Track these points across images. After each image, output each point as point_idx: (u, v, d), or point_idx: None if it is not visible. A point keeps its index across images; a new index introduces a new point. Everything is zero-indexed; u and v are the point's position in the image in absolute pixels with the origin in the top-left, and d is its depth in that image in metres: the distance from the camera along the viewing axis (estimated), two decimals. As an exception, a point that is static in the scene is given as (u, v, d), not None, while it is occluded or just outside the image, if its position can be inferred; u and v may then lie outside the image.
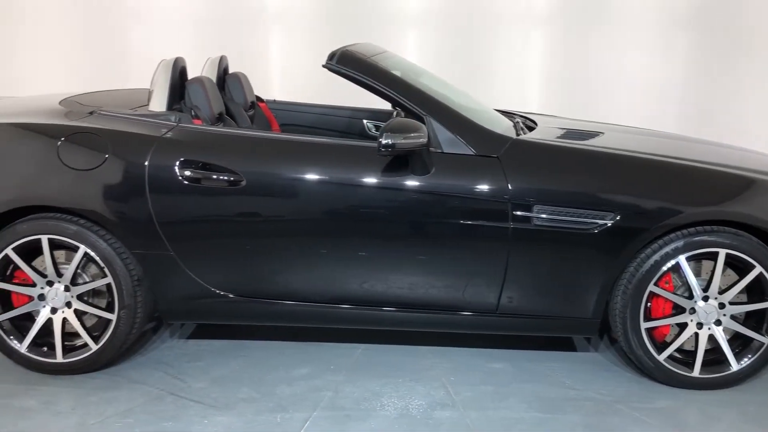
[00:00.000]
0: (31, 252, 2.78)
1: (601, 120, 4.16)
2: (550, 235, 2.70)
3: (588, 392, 2.77)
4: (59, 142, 2.72)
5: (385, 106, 4.04)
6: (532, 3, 5.89)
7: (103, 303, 2.84)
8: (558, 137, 3.15)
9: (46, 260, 2.75)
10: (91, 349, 2.79)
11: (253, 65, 4.64)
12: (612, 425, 2.55)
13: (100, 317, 2.82)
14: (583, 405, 2.68)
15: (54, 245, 2.75)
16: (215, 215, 2.75)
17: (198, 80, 3.07)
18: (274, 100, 4.05)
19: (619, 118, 4.79)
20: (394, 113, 3.52)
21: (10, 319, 2.80)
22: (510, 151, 2.76)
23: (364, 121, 3.99)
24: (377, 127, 3.97)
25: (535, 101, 5.70)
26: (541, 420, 2.57)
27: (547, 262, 2.75)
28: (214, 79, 3.41)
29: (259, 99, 3.93)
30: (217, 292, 2.81)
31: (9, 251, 2.72)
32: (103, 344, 2.79)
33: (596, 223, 2.68)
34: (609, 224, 2.67)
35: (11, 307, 2.81)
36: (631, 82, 5.92)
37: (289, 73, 5.87)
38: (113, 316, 2.77)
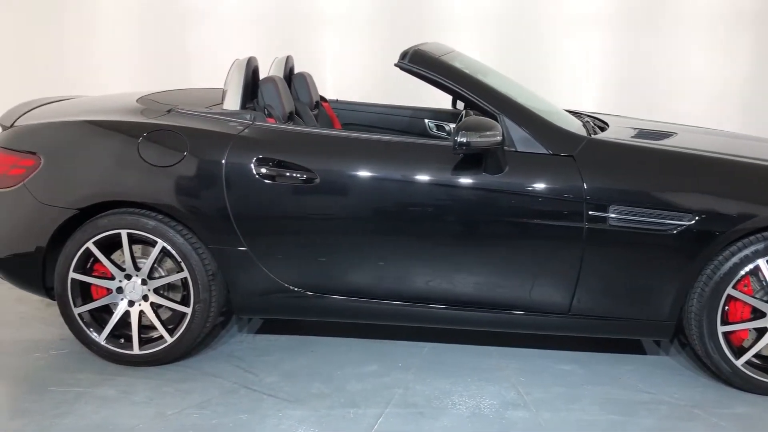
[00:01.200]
0: (110, 246, 2.86)
1: (666, 120, 4.11)
2: (625, 236, 2.66)
3: (662, 396, 2.73)
4: (140, 139, 2.79)
5: (446, 105, 4.07)
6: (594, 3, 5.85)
7: (179, 297, 2.90)
8: (632, 137, 3.11)
9: (125, 254, 2.82)
10: (166, 341, 2.86)
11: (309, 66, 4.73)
12: (688, 430, 2.50)
13: (175, 310, 2.88)
14: (657, 409, 2.63)
15: (132, 240, 2.82)
16: (289, 212, 2.78)
17: (271, 79, 3.11)
18: (336, 100, 4.09)
19: (683, 119, 4.72)
20: (463, 113, 3.50)
21: (90, 311, 2.88)
22: (585, 151, 2.74)
23: (426, 121, 3.98)
24: (439, 127, 3.97)
25: (596, 101, 5.63)
26: (616, 423, 2.54)
27: (622, 263, 2.72)
28: None
29: (322, 99, 3.97)
30: (290, 287, 2.84)
31: (90, 245, 2.80)
32: (178, 337, 2.85)
33: (674, 224, 2.63)
34: (687, 225, 2.63)
35: (91, 300, 2.89)
36: (693, 81, 5.84)
37: (345, 73, 5.93)
38: (188, 310, 2.83)
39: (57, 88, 4.62)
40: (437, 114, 3.98)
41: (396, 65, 2.90)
